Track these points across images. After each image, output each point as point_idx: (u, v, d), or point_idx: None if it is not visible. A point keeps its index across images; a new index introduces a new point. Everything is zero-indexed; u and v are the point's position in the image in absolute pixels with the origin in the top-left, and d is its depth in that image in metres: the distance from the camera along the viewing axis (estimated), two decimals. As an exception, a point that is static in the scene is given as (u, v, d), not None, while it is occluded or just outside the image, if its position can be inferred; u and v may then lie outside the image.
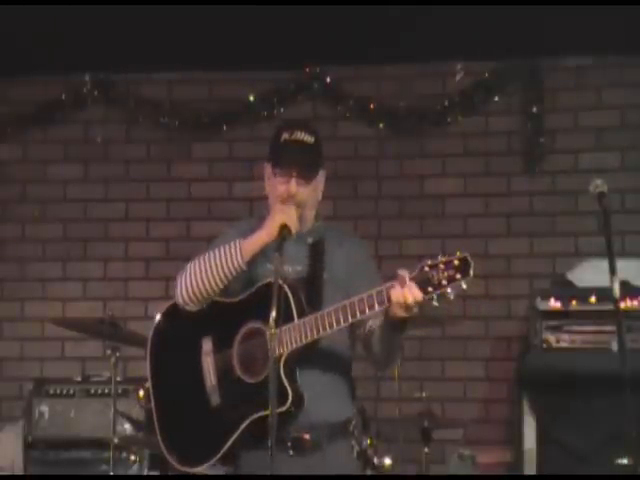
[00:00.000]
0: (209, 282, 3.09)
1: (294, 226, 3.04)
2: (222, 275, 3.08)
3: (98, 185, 6.26)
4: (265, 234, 3.06)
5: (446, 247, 5.90)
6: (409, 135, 6.04)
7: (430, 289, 2.77)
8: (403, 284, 2.78)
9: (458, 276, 2.75)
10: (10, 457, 5.37)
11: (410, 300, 2.77)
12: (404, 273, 2.79)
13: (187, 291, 3.13)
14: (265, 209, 3.24)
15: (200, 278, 3.10)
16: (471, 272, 2.74)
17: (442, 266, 2.77)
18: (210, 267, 3.09)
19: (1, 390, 6.11)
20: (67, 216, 6.24)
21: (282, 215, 3.05)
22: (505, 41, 5.57)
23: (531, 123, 5.93)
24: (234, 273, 3.07)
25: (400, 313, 2.81)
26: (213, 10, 5.19)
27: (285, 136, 3.15)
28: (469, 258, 2.76)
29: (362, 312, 2.87)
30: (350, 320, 2.89)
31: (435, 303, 2.80)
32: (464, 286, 2.76)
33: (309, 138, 3.15)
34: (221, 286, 3.09)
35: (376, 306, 2.85)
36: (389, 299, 2.81)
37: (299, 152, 3.13)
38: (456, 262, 2.76)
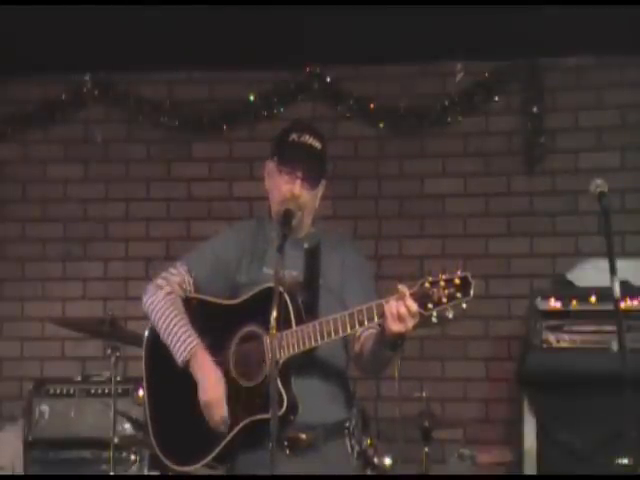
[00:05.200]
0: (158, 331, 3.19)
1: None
2: (164, 342, 3.15)
3: (98, 185, 6.26)
4: (199, 379, 3.07)
5: (446, 247, 5.92)
6: (409, 135, 6.04)
7: (430, 306, 2.77)
8: (401, 298, 2.77)
9: (459, 295, 2.75)
10: (10, 457, 5.36)
11: (404, 311, 2.76)
12: (404, 288, 2.79)
13: (146, 311, 3.23)
14: (265, 215, 3.25)
15: (155, 322, 3.19)
16: (471, 292, 2.74)
17: (443, 283, 2.76)
18: (162, 329, 3.15)
19: (1, 390, 6.11)
20: (67, 216, 6.25)
21: (213, 392, 3.04)
22: (505, 41, 5.57)
23: (531, 123, 5.92)
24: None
25: (396, 327, 2.78)
26: (213, 10, 5.19)
27: (294, 137, 3.15)
28: (470, 278, 2.75)
29: (361, 324, 2.87)
30: (349, 331, 2.89)
31: (434, 320, 2.80)
32: (464, 305, 2.76)
33: (317, 144, 3.16)
34: None
35: (375, 318, 2.84)
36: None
37: (307, 155, 3.14)
38: (457, 280, 2.75)
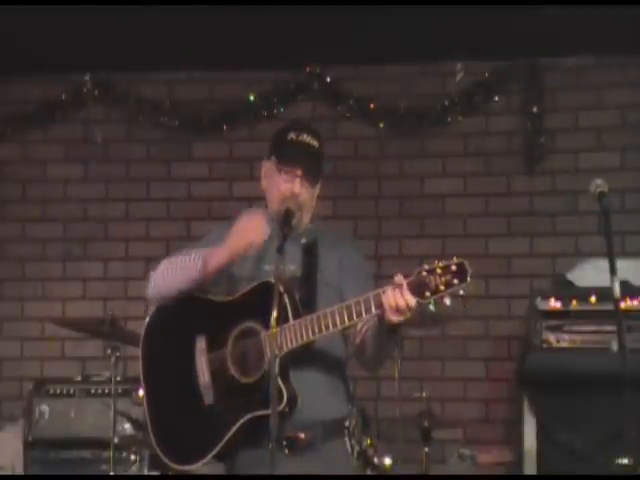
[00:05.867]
0: (172, 287, 3.15)
1: (260, 235, 3.04)
2: (184, 284, 3.12)
3: (98, 185, 6.26)
4: (227, 252, 3.05)
5: (446, 247, 5.92)
6: (409, 135, 6.04)
7: (428, 294, 2.77)
8: (399, 289, 2.77)
9: (455, 281, 2.75)
10: (10, 457, 5.36)
11: (402, 303, 2.77)
12: (400, 278, 2.79)
13: (153, 291, 3.19)
14: (263, 210, 3.25)
15: (165, 282, 3.16)
16: (468, 278, 2.74)
17: (439, 271, 2.76)
18: (174, 274, 3.13)
19: (1, 390, 6.11)
20: (67, 216, 6.25)
21: (250, 232, 3.03)
22: (505, 41, 5.57)
23: (531, 123, 5.93)
24: (195, 284, 3.11)
25: (394, 318, 2.80)
26: (213, 10, 5.19)
27: (292, 136, 3.16)
28: (466, 264, 2.76)
29: (359, 315, 2.86)
30: (347, 323, 2.89)
31: (432, 307, 2.80)
32: (461, 292, 2.76)
33: (315, 142, 3.17)
34: (185, 291, 3.13)
35: (373, 309, 2.84)
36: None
37: (306, 154, 3.15)
38: (453, 267, 2.76)
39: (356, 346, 3.12)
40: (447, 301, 2.78)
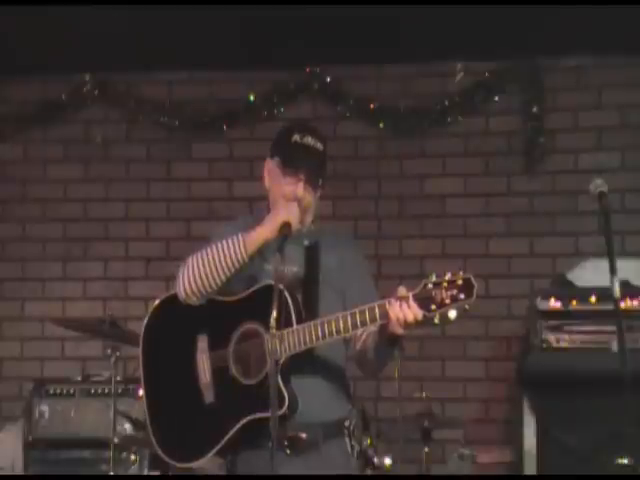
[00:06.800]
0: (212, 275, 3.07)
1: (295, 225, 3.05)
2: (225, 268, 3.06)
3: (98, 185, 6.26)
4: (268, 229, 3.06)
5: (446, 247, 5.92)
6: (409, 135, 6.04)
7: (433, 307, 2.76)
8: (405, 302, 2.77)
9: (462, 296, 2.75)
10: (10, 457, 5.37)
11: (409, 316, 2.77)
12: (404, 291, 2.79)
13: (189, 284, 3.10)
14: (264, 208, 3.25)
15: (203, 271, 3.08)
16: (474, 293, 2.74)
17: (445, 285, 2.75)
18: (212, 260, 3.07)
19: (1, 390, 6.11)
20: (67, 216, 6.25)
21: (286, 212, 3.06)
22: (505, 41, 5.57)
23: (531, 123, 5.93)
24: (237, 266, 3.06)
25: (398, 330, 2.81)
26: (213, 10, 5.19)
27: (296, 138, 3.14)
28: (473, 279, 2.75)
29: (363, 324, 2.86)
30: (351, 331, 2.89)
31: (436, 321, 2.79)
32: (467, 307, 2.75)
33: (319, 145, 3.16)
34: (224, 279, 3.07)
35: (378, 319, 2.84)
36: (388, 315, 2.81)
37: (310, 157, 3.14)
38: (460, 282, 2.75)
39: (356, 352, 3.12)
40: (452, 315, 2.77)
